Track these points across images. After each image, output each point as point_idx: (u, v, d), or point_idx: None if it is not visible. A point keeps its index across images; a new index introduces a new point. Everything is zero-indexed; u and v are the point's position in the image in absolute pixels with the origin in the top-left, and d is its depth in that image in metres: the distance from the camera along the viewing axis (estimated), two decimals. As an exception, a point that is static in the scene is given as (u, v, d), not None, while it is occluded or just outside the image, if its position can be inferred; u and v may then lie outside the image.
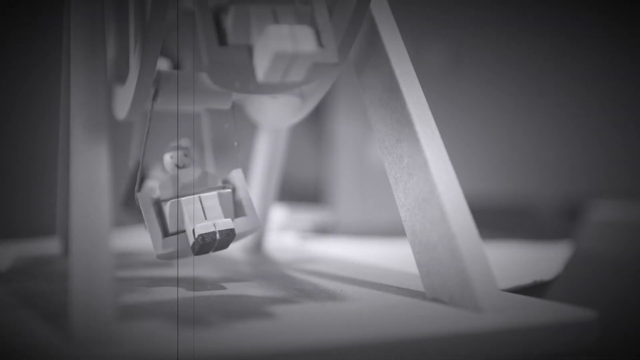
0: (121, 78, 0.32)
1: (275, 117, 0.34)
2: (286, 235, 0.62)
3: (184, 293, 0.30)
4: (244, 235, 0.29)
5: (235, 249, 0.46)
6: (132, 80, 0.28)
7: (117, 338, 0.21)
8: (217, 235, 0.27)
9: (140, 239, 0.52)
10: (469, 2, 0.99)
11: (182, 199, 0.28)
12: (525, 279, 0.37)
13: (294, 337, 0.22)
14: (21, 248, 0.46)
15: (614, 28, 0.98)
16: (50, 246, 0.45)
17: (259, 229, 0.29)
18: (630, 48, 0.98)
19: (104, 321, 0.22)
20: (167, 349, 0.20)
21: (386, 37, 0.30)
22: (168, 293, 0.30)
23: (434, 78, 0.94)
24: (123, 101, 0.30)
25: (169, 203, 0.28)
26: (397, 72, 0.29)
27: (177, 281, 0.33)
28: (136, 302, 0.28)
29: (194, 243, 0.28)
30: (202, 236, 0.27)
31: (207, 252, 0.28)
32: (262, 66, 0.24)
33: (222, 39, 0.26)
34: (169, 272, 0.36)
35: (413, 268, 0.29)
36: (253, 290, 0.30)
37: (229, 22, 0.26)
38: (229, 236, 0.28)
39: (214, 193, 0.29)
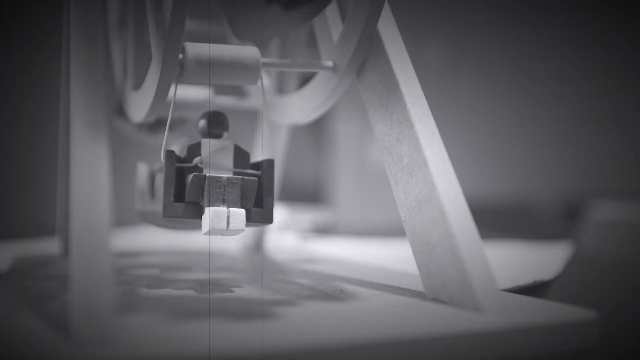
0: (134, 82, 0.32)
1: (294, 113, 0.34)
2: (286, 235, 0.62)
3: (184, 293, 0.30)
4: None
5: (235, 248, 0.46)
6: (151, 84, 0.28)
7: (117, 338, 0.21)
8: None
9: (142, 239, 0.52)
10: (469, 1, 0.99)
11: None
12: (525, 279, 0.37)
13: (294, 337, 0.22)
14: (21, 248, 0.46)
15: (614, 28, 0.98)
16: (50, 246, 0.45)
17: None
18: (631, 48, 0.98)
19: (104, 321, 0.22)
20: (167, 348, 0.20)
21: (386, 37, 0.30)
22: (168, 293, 0.30)
23: (434, 78, 0.94)
24: (140, 104, 0.30)
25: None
26: (397, 72, 0.29)
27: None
28: (136, 302, 0.28)
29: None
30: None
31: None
32: None
33: None
34: (170, 272, 0.36)
35: (413, 268, 0.29)
36: (253, 290, 0.30)
37: None
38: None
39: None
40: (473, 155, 0.99)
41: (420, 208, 0.28)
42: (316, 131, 0.85)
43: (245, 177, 0.28)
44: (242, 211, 0.28)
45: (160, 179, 0.35)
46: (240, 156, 0.29)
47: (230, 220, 0.27)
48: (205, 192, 0.28)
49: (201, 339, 0.21)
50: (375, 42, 0.30)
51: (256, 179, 0.29)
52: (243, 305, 0.27)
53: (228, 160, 0.29)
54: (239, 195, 0.28)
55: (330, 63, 0.30)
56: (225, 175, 0.28)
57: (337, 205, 0.79)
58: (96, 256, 0.23)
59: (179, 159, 0.28)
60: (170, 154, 0.28)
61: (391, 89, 0.29)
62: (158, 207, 0.35)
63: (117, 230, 0.57)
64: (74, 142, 0.24)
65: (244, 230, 0.27)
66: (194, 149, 0.29)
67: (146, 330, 0.23)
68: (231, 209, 0.27)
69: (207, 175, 0.28)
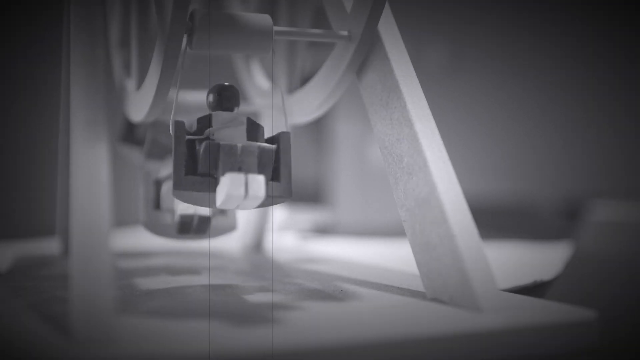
0: (133, 80, 0.32)
1: (294, 112, 0.33)
2: (286, 235, 0.62)
3: (184, 293, 0.30)
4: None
5: (234, 248, 0.46)
6: (151, 84, 0.28)
7: (117, 338, 0.21)
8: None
9: (142, 240, 0.52)
10: (469, 2, 0.99)
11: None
12: (525, 279, 0.37)
13: (294, 337, 0.22)
14: (21, 248, 0.46)
15: (613, 28, 0.98)
16: (50, 246, 0.45)
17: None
18: (630, 48, 0.98)
19: (104, 321, 0.22)
20: (167, 348, 0.20)
21: (386, 37, 0.30)
22: (168, 293, 0.30)
23: (434, 78, 0.94)
24: (140, 104, 0.30)
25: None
26: (397, 72, 0.29)
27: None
28: (137, 302, 0.28)
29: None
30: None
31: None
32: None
33: None
34: (170, 272, 0.36)
35: (413, 268, 0.29)
36: (253, 290, 0.31)
37: None
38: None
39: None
40: (473, 155, 0.99)
41: (420, 208, 0.28)
42: (316, 131, 0.85)
43: (262, 145, 0.26)
44: (261, 177, 0.25)
45: (167, 188, 0.34)
46: (254, 129, 0.27)
47: (249, 186, 0.25)
48: (220, 161, 0.25)
49: (201, 339, 0.21)
50: (375, 42, 0.30)
51: (274, 147, 0.27)
52: (242, 306, 0.27)
53: (241, 132, 0.27)
54: (256, 165, 0.26)
55: (345, 32, 0.30)
56: (241, 144, 0.26)
57: (337, 205, 0.79)
58: (96, 256, 0.23)
59: (188, 132, 0.26)
60: (179, 124, 0.26)
61: (391, 89, 0.29)
62: (164, 218, 0.34)
63: (117, 230, 0.57)
64: (74, 142, 0.24)
65: (262, 198, 0.25)
66: (204, 122, 0.27)
67: (146, 330, 0.23)
68: (249, 174, 0.25)
69: (221, 143, 0.26)
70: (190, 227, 0.33)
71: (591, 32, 0.99)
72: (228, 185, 0.25)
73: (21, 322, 0.24)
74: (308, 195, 0.85)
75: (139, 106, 0.30)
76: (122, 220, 0.49)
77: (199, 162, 0.26)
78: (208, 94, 0.28)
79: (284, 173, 0.27)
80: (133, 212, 0.37)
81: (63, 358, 0.20)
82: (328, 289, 0.30)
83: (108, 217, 0.23)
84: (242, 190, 0.25)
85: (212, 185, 0.26)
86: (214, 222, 0.34)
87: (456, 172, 0.28)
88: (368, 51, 0.30)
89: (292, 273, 0.36)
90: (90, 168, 0.24)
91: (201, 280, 0.33)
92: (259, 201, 0.25)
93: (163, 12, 0.27)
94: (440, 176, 0.27)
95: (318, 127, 0.84)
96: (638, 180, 0.96)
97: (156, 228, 0.35)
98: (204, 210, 0.32)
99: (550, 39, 1.00)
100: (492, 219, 0.75)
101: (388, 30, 0.30)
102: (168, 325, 0.24)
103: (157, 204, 0.34)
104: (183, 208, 0.33)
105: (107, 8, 0.36)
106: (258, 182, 0.25)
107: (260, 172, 0.26)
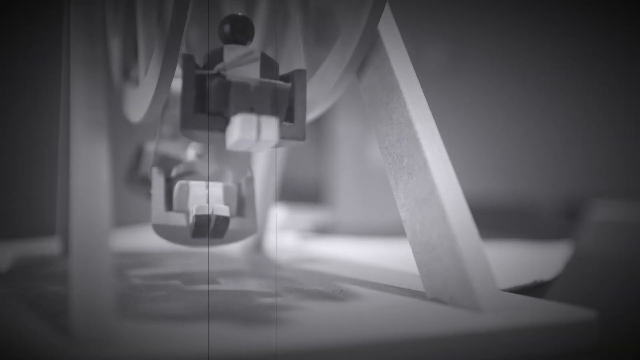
0: (131, 80, 0.32)
1: None
2: (286, 235, 0.62)
3: (184, 293, 0.30)
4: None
5: (235, 248, 0.46)
6: (150, 84, 0.28)
7: (117, 338, 0.21)
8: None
9: (142, 240, 0.52)
10: (469, 2, 0.99)
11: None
12: (525, 279, 0.37)
13: (294, 337, 0.22)
14: (21, 248, 0.46)
15: (613, 28, 0.98)
16: (50, 246, 0.45)
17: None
18: (630, 48, 0.98)
19: (104, 321, 0.22)
20: (167, 348, 0.20)
21: (386, 37, 0.30)
22: (168, 293, 0.30)
23: (434, 78, 0.94)
24: (138, 104, 0.30)
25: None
26: (397, 72, 0.29)
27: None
28: (137, 302, 0.28)
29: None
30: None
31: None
32: None
33: None
34: (170, 272, 0.36)
35: (413, 268, 0.29)
36: (253, 290, 0.30)
37: None
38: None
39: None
40: (473, 155, 0.99)
41: (420, 208, 0.28)
42: (316, 131, 0.85)
43: (277, 83, 0.25)
44: (274, 119, 0.24)
45: (178, 187, 0.31)
46: (268, 65, 0.26)
47: (262, 129, 0.23)
48: (231, 100, 0.24)
49: (201, 340, 0.21)
50: (375, 43, 0.30)
51: (288, 85, 0.25)
52: (242, 306, 0.27)
53: (254, 68, 0.26)
54: (269, 105, 0.25)
55: None
56: (253, 82, 0.25)
57: (337, 205, 0.79)
58: (96, 256, 0.23)
59: (198, 66, 0.25)
60: (188, 58, 0.25)
61: (391, 89, 0.29)
62: (176, 220, 0.31)
63: (117, 230, 0.57)
64: (74, 142, 0.24)
65: (274, 143, 0.24)
66: (216, 56, 0.26)
67: (146, 330, 0.23)
68: (262, 116, 0.24)
69: (233, 80, 0.24)
70: (207, 230, 0.30)
71: (591, 32, 0.99)
72: (239, 127, 0.23)
73: (21, 322, 0.24)
74: (308, 195, 0.86)
75: (138, 106, 0.30)
76: (122, 220, 0.49)
77: (208, 99, 0.25)
78: (220, 25, 0.26)
79: (298, 113, 0.26)
80: (133, 212, 0.37)
81: (63, 358, 0.20)
82: (328, 289, 0.30)
83: (108, 217, 0.23)
84: (253, 133, 0.23)
85: (222, 125, 0.24)
86: (231, 225, 0.31)
87: (456, 172, 0.28)
88: (368, 51, 0.30)
89: (292, 273, 0.36)
90: (90, 168, 0.24)
91: (201, 280, 0.33)
92: (271, 144, 0.24)
93: (164, 10, 0.27)
94: (440, 176, 0.27)
95: (318, 127, 0.84)
96: (638, 180, 0.96)
97: (168, 232, 0.32)
98: (221, 210, 0.29)
99: (550, 39, 1.00)
100: (492, 219, 0.75)
101: (388, 30, 0.30)
102: (168, 325, 0.24)
103: (169, 205, 0.32)
104: (199, 208, 0.30)
105: (107, 7, 0.36)
106: (270, 126, 0.24)
107: (273, 112, 0.25)
